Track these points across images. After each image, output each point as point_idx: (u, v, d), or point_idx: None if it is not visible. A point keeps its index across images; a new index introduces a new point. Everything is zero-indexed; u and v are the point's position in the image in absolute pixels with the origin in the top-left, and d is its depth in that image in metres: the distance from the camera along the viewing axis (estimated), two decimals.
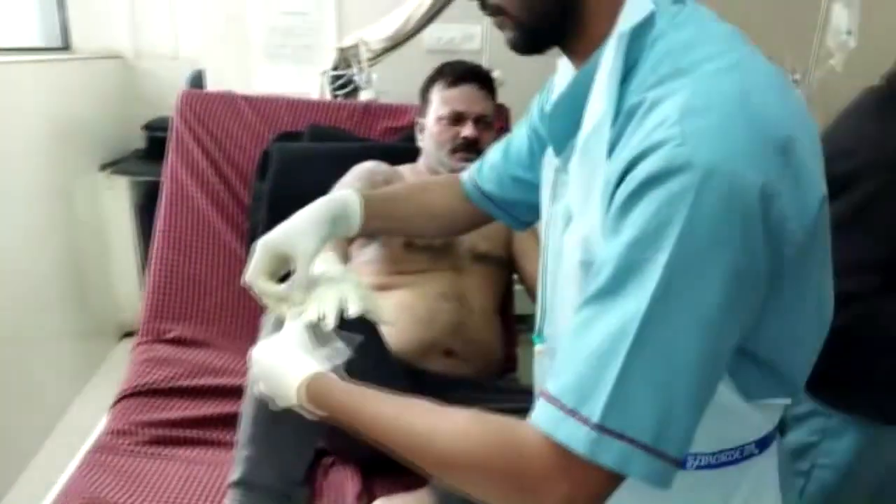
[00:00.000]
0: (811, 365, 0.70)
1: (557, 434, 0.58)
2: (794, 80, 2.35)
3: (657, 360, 0.56)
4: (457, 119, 1.51)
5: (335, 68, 2.20)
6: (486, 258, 1.50)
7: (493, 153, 1.03)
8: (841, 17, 1.93)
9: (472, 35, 2.43)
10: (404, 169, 1.57)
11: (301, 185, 1.64)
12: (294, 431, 1.12)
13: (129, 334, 2.94)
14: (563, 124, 0.73)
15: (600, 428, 0.56)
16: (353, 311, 0.89)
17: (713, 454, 0.70)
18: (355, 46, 2.17)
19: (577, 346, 0.59)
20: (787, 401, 0.71)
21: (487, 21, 2.43)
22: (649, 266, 0.55)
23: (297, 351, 0.82)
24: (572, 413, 0.57)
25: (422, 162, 1.59)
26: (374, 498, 1.22)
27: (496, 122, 1.60)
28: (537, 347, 0.83)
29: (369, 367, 1.16)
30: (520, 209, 1.02)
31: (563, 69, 0.81)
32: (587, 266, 0.64)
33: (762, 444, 0.73)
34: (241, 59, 2.37)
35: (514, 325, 1.70)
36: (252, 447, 1.10)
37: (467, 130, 1.49)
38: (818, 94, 2.31)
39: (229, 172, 1.75)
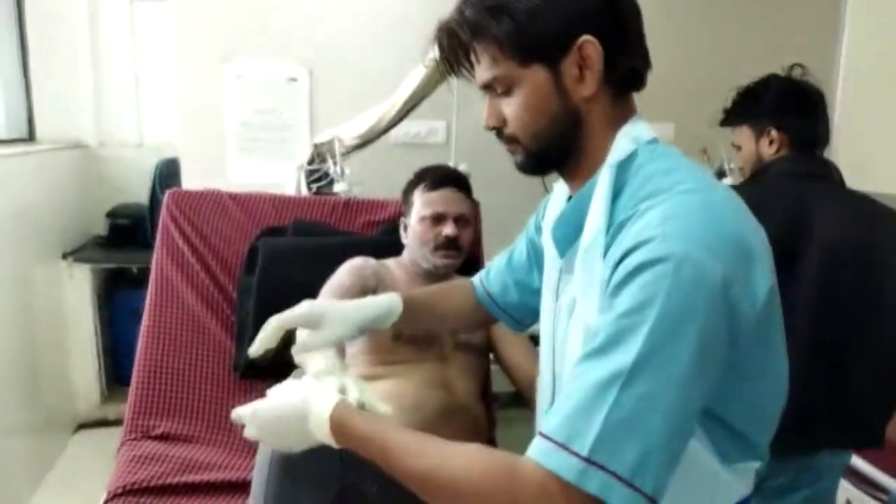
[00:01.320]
0: (773, 431, 0.84)
1: (550, 464, 0.69)
2: (729, 169, 2.59)
3: (638, 408, 0.68)
4: (438, 219, 1.63)
5: (310, 162, 2.32)
6: (467, 346, 1.59)
7: (499, 261, 1.18)
8: None
9: (437, 129, 2.60)
10: (390, 262, 1.67)
11: (288, 279, 1.72)
12: None
13: (83, 426, 2.87)
14: (566, 233, 0.88)
15: (587, 460, 0.67)
16: (352, 398, 0.97)
17: None
18: (330, 142, 2.30)
19: (570, 394, 0.71)
20: (758, 464, 0.83)
21: (452, 117, 2.59)
22: (635, 332, 0.69)
23: (312, 390, 0.92)
24: (563, 447, 0.69)
25: (406, 256, 1.69)
26: None
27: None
28: None
29: (363, 457, 1.23)
30: (519, 311, 1.17)
31: (558, 191, 0.99)
32: None
33: None
34: (215, 152, 2.46)
35: (493, 407, 1.78)
36: None
37: (448, 229, 1.61)
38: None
39: (216, 267, 1.81)
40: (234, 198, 1.90)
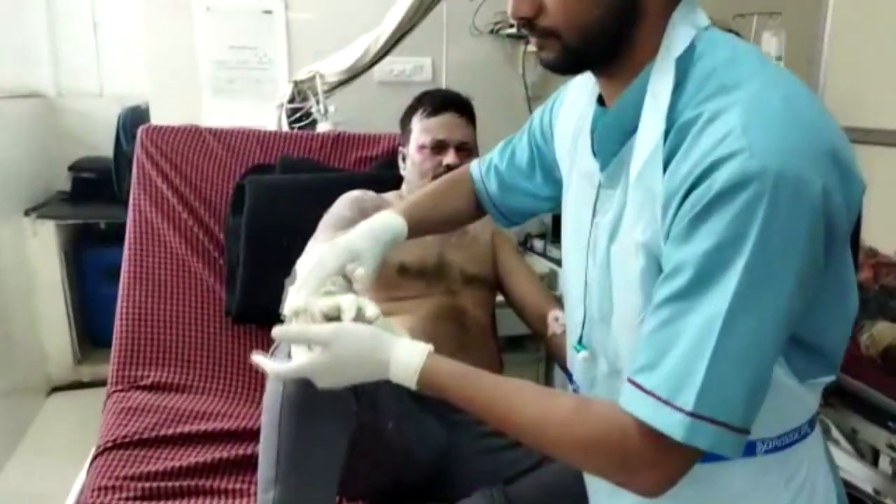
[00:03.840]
0: (846, 342, 0.78)
1: (656, 423, 0.64)
2: None
3: (741, 351, 0.62)
4: (439, 147, 1.52)
5: (291, 101, 2.18)
6: (476, 280, 1.51)
7: (499, 158, 1.10)
8: (770, 44, 2.11)
9: (423, 66, 2.47)
10: (389, 196, 1.57)
11: (278, 218, 1.62)
12: (320, 467, 1.08)
13: (58, 388, 2.75)
14: (610, 143, 0.77)
15: (694, 415, 0.62)
16: (370, 313, 0.89)
17: (778, 437, 0.76)
18: (311, 79, 2.16)
19: (664, 341, 0.65)
20: (831, 378, 0.77)
21: (440, 52, 2.46)
22: (730, 268, 0.61)
23: (392, 336, 0.84)
24: (667, 403, 0.64)
25: (405, 189, 1.59)
26: None
27: None
28: (581, 354, 0.87)
29: (378, 395, 1.15)
30: (511, 212, 1.12)
31: (578, 94, 0.88)
32: (651, 271, 0.70)
33: (812, 422, 0.80)
34: (187, 95, 2.29)
35: (500, 346, 1.71)
36: (278, 488, 1.04)
37: (449, 158, 1.51)
38: None
39: (199, 208, 1.68)
40: (215, 134, 1.76)
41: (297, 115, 2.16)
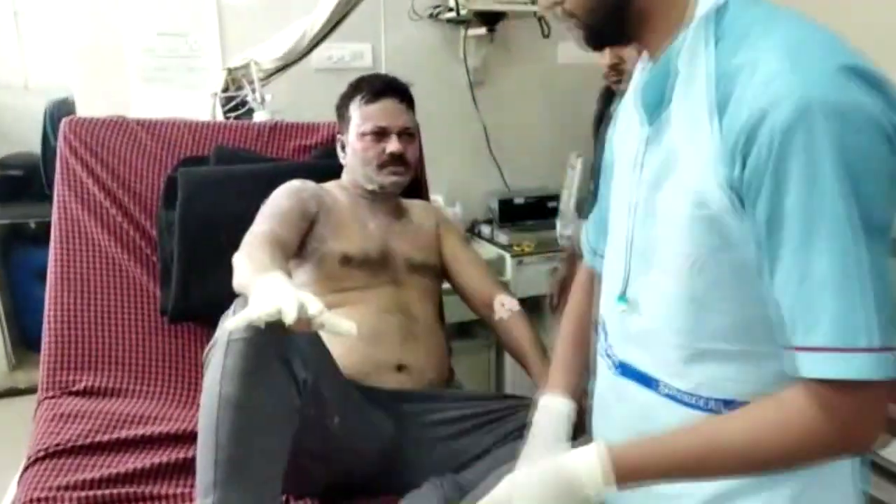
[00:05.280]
0: None
1: (845, 373, 0.65)
2: None
3: (877, 271, 0.65)
4: (380, 134, 1.48)
5: (225, 90, 2.10)
6: (421, 268, 1.49)
7: (594, 214, 1.10)
8: None
9: (362, 52, 2.42)
10: (330, 185, 1.53)
11: (214, 210, 1.55)
12: (262, 468, 1.04)
13: None
14: (654, 97, 0.80)
15: (871, 350, 0.64)
16: (313, 309, 0.88)
17: None
18: (246, 66, 2.08)
19: (807, 298, 0.66)
20: None
21: (379, 38, 2.40)
22: (827, 203, 0.64)
23: (559, 461, 0.78)
24: (845, 350, 0.65)
25: (346, 178, 1.55)
26: None
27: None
28: (620, 307, 0.87)
29: (322, 389, 1.12)
30: None
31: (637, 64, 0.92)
32: (699, 218, 0.73)
33: None
34: (115, 85, 2.18)
35: (448, 334, 1.70)
36: (217, 493, 1.00)
37: (393, 146, 1.47)
38: None
39: (129, 203, 1.60)
40: (144, 125, 1.68)
41: (233, 104, 2.09)
